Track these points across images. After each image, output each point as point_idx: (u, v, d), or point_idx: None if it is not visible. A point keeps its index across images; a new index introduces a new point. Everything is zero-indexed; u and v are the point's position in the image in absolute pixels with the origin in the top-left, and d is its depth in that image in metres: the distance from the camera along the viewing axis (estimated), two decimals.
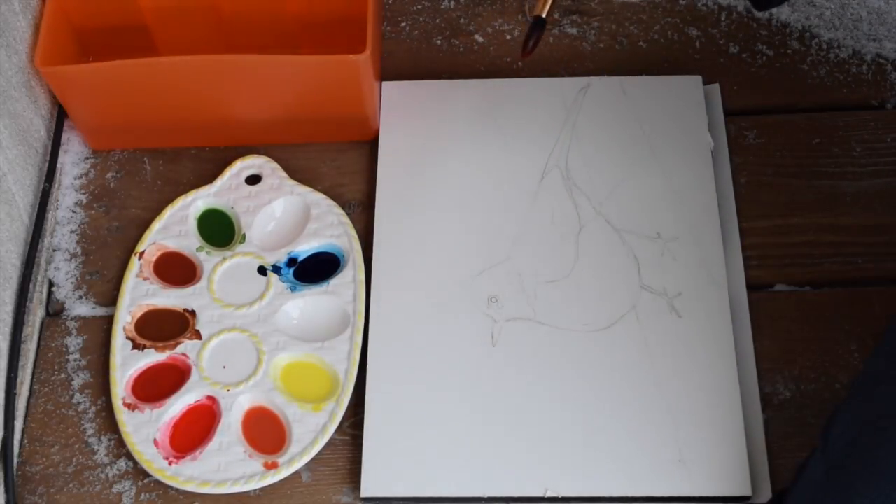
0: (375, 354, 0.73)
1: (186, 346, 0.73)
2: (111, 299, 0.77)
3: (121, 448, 0.71)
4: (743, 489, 0.68)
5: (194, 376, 0.72)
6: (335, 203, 0.78)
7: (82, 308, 0.77)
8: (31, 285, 0.75)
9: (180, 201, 0.79)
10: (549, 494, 0.68)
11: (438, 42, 0.87)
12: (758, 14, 0.70)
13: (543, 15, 0.70)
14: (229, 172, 0.80)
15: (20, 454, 0.72)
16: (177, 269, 0.77)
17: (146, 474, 0.70)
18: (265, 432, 0.71)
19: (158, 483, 0.70)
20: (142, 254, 0.77)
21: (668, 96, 0.81)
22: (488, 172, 0.79)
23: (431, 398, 0.71)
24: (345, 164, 0.81)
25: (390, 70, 0.85)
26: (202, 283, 0.76)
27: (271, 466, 0.69)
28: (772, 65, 0.84)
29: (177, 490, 0.70)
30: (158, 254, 0.78)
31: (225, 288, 0.76)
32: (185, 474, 0.69)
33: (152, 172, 0.82)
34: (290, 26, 0.83)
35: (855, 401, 0.63)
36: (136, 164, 0.82)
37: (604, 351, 0.72)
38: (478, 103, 0.82)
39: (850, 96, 0.83)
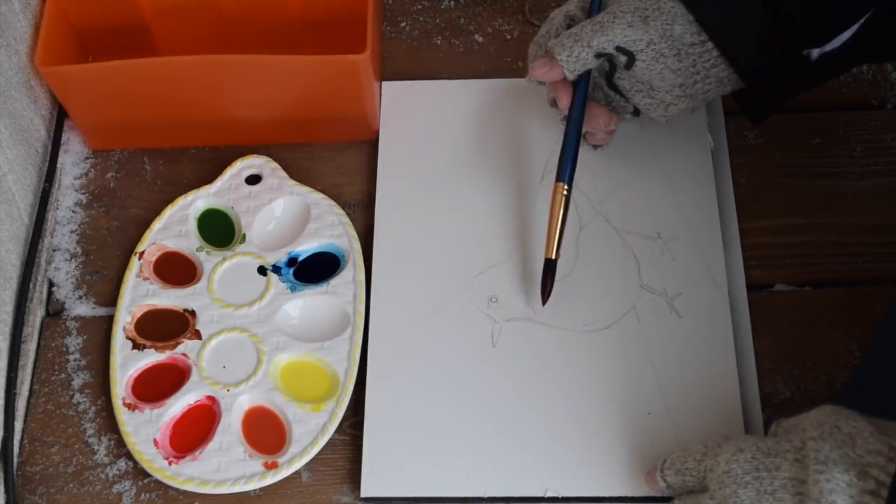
0: (375, 354, 0.73)
1: (186, 346, 0.73)
2: (111, 299, 0.77)
3: (121, 448, 0.72)
4: None
5: (194, 376, 0.72)
6: (335, 203, 0.78)
7: (82, 308, 0.77)
8: (31, 285, 0.75)
9: (180, 201, 0.79)
10: (549, 494, 0.68)
11: (438, 42, 0.87)
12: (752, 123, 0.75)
13: (553, 257, 0.72)
14: (229, 172, 0.80)
15: (20, 454, 0.72)
16: (177, 269, 0.77)
17: (146, 474, 0.70)
18: (265, 432, 0.71)
19: (158, 483, 0.70)
20: (142, 254, 0.77)
21: None
22: (488, 172, 0.79)
23: (431, 398, 0.71)
24: (345, 164, 0.81)
25: (390, 70, 0.85)
26: (202, 283, 0.76)
27: (271, 466, 0.69)
28: None
29: (177, 490, 0.70)
30: (158, 254, 0.78)
31: (225, 288, 0.76)
32: (185, 474, 0.69)
33: (152, 172, 0.82)
34: (290, 26, 0.83)
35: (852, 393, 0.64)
36: (136, 164, 0.82)
37: (604, 351, 0.72)
38: (478, 103, 0.82)
39: (850, 96, 0.83)
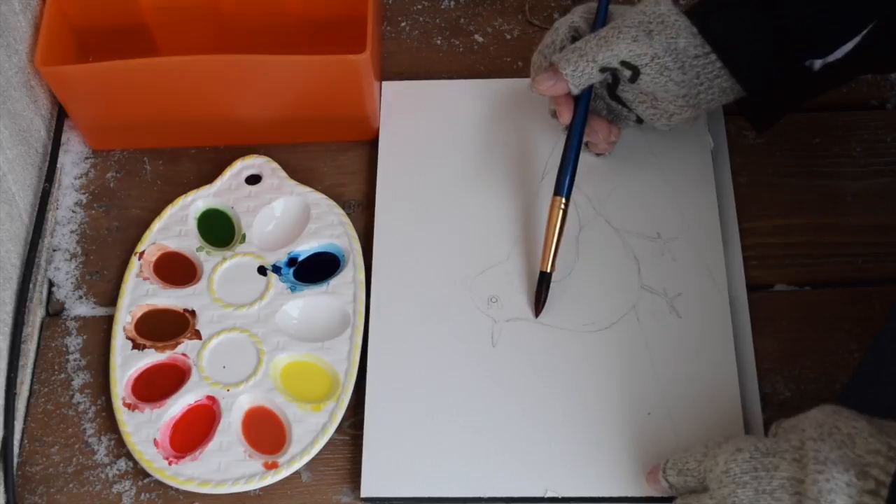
0: (375, 354, 0.73)
1: (186, 346, 0.73)
2: (111, 299, 0.77)
3: (121, 448, 0.72)
4: None
5: (194, 376, 0.72)
6: (335, 203, 0.78)
7: (82, 308, 0.77)
8: (31, 285, 0.75)
9: (180, 201, 0.79)
10: (549, 494, 0.68)
11: (438, 42, 0.87)
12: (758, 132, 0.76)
13: (548, 270, 0.73)
14: (229, 172, 0.80)
15: (20, 454, 0.72)
16: (177, 269, 0.77)
17: (146, 474, 0.70)
18: (265, 432, 0.71)
19: (158, 483, 0.70)
20: (142, 254, 0.77)
21: None
22: (488, 172, 0.79)
23: (431, 398, 0.71)
24: (345, 164, 0.81)
25: (390, 70, 0.85)
26: (202, 283, 0.76)
27: (271, 466, 0.69)
28: None
29: (177, 490, 0.70)
30: (158, 254, 0.78)
31: (225, 288, 0.76)
32: (185, 474, 0.69)
33: (152, 172, 0.82)
34: (290, 26, 0.83)
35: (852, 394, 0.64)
36: (136, 164, 0.82)
37: (604, 351, 0.72)
38: (478, 103, 0.82)
39: (850, 96, 0.83)
